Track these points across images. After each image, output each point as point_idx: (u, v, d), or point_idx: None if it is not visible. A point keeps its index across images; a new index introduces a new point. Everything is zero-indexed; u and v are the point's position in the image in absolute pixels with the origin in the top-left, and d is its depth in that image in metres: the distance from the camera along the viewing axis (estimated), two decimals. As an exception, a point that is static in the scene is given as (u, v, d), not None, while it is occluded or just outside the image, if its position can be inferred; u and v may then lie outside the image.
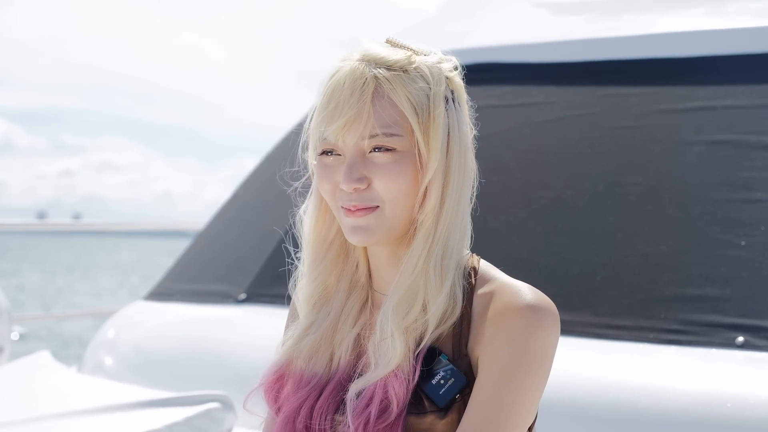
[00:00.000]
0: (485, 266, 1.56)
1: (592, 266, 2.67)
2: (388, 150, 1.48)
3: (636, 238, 2.68)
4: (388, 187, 1.49)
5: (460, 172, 1.51)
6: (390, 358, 1.48)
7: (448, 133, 1.50)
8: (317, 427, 1.53)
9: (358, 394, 1.49)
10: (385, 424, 1.45)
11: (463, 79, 1.58)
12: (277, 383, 1.61)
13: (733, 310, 2.42)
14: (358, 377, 1.52)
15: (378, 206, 1.50)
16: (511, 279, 1.53)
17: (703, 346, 2.38)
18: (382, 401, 1.46)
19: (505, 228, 2.88)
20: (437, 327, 1.49)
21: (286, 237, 1.70)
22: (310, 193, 1.63)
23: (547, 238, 2.81)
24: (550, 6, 3.82)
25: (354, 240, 1.52)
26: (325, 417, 1.52)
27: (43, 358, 3.17)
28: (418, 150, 1.49)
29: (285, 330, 1.68)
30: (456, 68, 1.56)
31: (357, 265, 1.61)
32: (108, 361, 3.24)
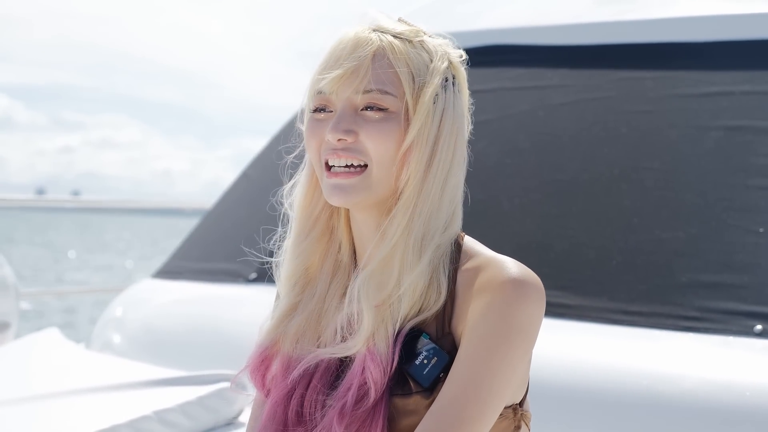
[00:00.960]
0: (469, 242, 1.55)
1: (608, 251, 2.66)
2: (380, 109, 1.49)
3: (652, 223, 2.67)
4: (375, 144, 1.49)
5: (449, 151, 1.52)
6: (358, 335, 1.48)
7: (443, 110, 1.52)
8: (308, 411, 1.52)
9: (337, 377, 1.50)
10: (363, 409, 1.44)
11: (467, 67, 1.60)
12: (263, 365, 1.60)
13: (751, 297, 2.41)
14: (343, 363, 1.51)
15: (366, 165, 1.50)
16: (495, 254, 1.52)
17: (721, 334, 2.37)
18: (360, 386, 1.45)
19: (520, 211, 2.87)
20: (420, 313, 1.48)
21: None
22: (301, 167, 1.62)
23: (562, 222, 2.80)
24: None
25: (334, 200, 1.52)
26: (316, 404, 1.52)
27: (52, 334, 3.16)
28: (407, 114, 1.50)
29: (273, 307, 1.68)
30: (461, 56, 1.58)
31: (340, 246, 1.61)
32: (116, 338, 3.23)
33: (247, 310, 3.01)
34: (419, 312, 1.48)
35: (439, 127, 1.51)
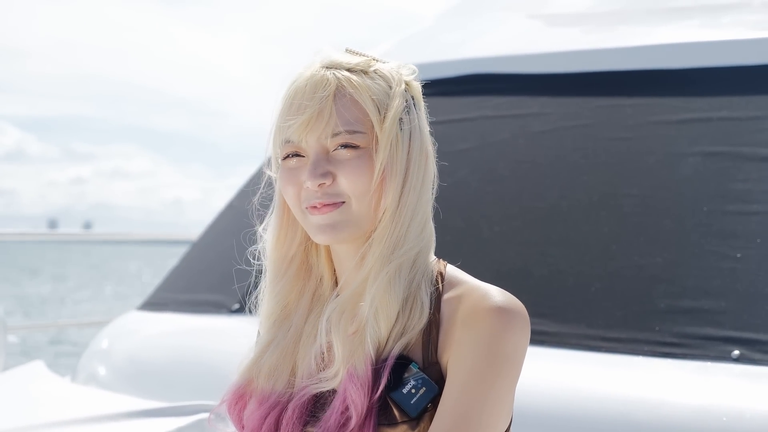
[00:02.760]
0: (452, 270, 1.55)
1: (586, 277, 2.67)
2: (352, 147, 1.49)
3: (631, 249, 2.68)
4: (353, 182, 1.49)
5: (419, 173, 1.52)
6: (334, 365, 1.48)
7: (410, 133, 1.52)
8: None
9: (318, 420, 1.49)
10: None
11: (423, 87, 1.60)
12: (238, 403, 1.60)
13: (728, 323, 2.42)
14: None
15: (344, 201, 1.50)
16: (479, 282, 1.51)
17: (699, 359, 2.37)
18: (342, 412, 1.45)
19: (500, 238, 2.88)
20: (403, 335, 1.47)
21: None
22: (271, 210, 1.63)
23: (542, 248, 2.81)
24: (545, 17, 3.83)
25: (320, 239, 1.52)
26: (294, 428, 1.51)
27: (37, 367, 3.16)
28: (377, 146, 1.50)
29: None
30: (414, 73, 1.58)
31: (321, 279, 1.61)
32: (101, 370, 3.23)
33: (230, 341, 3.01)
34: (402, 333, 1.47)
35: (409, 150, 1.51)
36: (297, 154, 1.52)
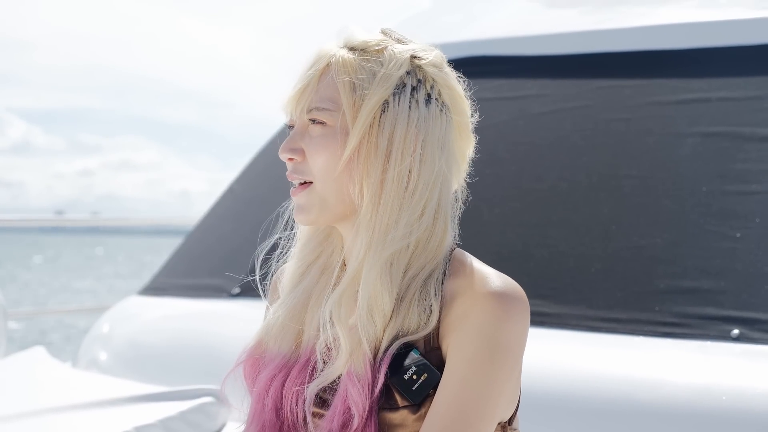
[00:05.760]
0: (459, 254, 1.52)
1: (586, 259, 2.67)
2: (320, 123, 1.49)
3: (630, 230, 2.68)
4: (314, 159, 1.50)
5: (404, 162, 1.47)
6: (339, 358, 1.47)
7: (395, 119, 1.47)
8: (289, 410, 1.52)
9: (323, 402, 1.49)
10: None
11: (460, 77, 1.56)
12: (254, 367, 1.60)
13: (728, 302, 2.42)
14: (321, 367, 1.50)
15: (312, 182, 1.51)
16: (481, 266, 1.49)
17: (699, 339, 2.37)
18: (344, 412, 1.44)
19: (499, 220, 2.88)
20: (406, 334, 1.45)
21: (275, 229, 1.70)
22: None
23: (542, 230, 2.81)
24: (544, -1, 3.82)
25: (297, 219, 1.55)
26: (296, 401, 1.51)
27: (38, 353, 3.17)
28: (346, 127, 1.48)
29: (264, 319, 1.68)
30: (437, 62, 1.53)
31: (333, 250, 1.61)
32: (102, 355, 3.23)
33: (231, 325, 3.02)
34: (401, 333, 1.45)
35: (391, 137, 1.47)
36: (292, 126, 1.55)
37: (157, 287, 3.50)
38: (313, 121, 1.50)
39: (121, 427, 2.33)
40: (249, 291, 3.15)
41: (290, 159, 1.52)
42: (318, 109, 1.49)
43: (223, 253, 3.43)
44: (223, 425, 2.52)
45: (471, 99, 1.59)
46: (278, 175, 3.53)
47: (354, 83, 1.48)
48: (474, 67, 3.48)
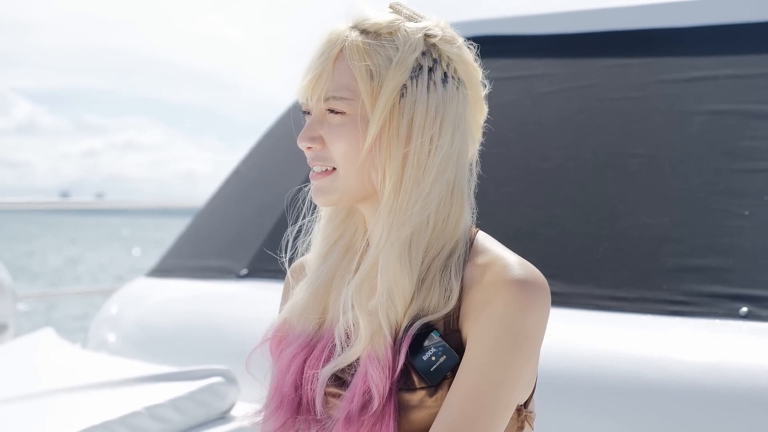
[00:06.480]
0: (481, 238, 1.52)
1: (593, 238, 2.67)
2: (338, 113, 1.48)
3: (638, 209, 2.68)
4: (335, 147, 1.48)
5: (424, 145, 1.46)
6: (358, 342, 1.47)
7: (414, 102, 1.46)
8: (309, 387, 1.52)
9: (342, 382, 1.49)
10: (369, 414, 1.43)
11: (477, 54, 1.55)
12: (279, 345, 1.60)
13: (736, 280, 2.42)
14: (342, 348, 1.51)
15: (335, 168, 1.50)
16: (503, 252, 1.48)
17: (707, 317, 2.38)
18: (364, 393, 1.44)
19: (506, 200, 2.88)
20: (426, 315, 1.45)
21: (286, 212, 1.70)
22: None
23: (549, 210, 2.81)
24: (550, -23, 3.81)
25: (316, 200, 1.54)
26: (315, 380, 1.51)
27: (47, 335, 3.18)
28: (366, 115, 1.47)
29: (282, 300, 1.68)
30: (450, 37, 1.52)
31: (356, 229, 1.61)
32: (111, 337, 3.24)
33: (238, 306, 3.03)
34: (421, 314, 1.45)
35: (411, 122, 1.46)
36: (308, 112, 1.53)
37: (164, 269, 3.51)
38: (330, 110, 1.49)
39: (132, 407, 2.34)
40: (256, 272, 3.16)
41: (309, 148, 1.51)
42: (335, 98, 1.47)
43: (230, 235, 3.44)
44: (233, 405, 2.53)
45: (484, 79, 1.58)
46: (284, 157, 3.54)
47: (371, 70, 1.46)
48: (479, 46, 3.49)
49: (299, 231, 1.65)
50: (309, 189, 1.58)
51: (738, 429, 2.13)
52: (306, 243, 1.65)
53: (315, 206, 1.62)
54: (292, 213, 1.66)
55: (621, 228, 2.66)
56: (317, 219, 1.63)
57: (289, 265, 1.65)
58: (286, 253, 1.65)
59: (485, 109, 1.59)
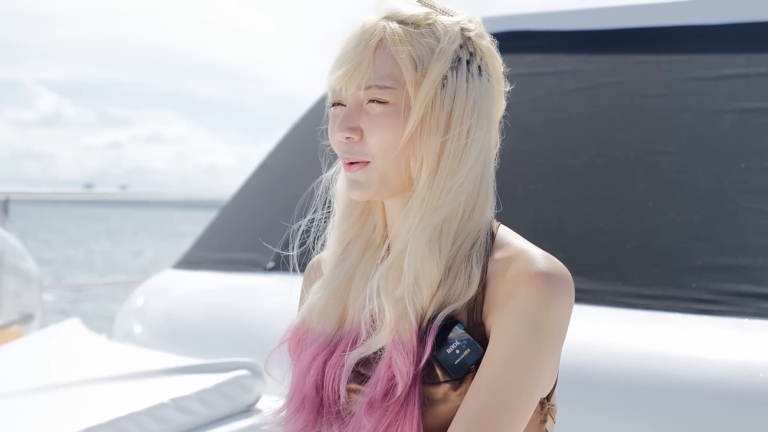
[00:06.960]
0: (504, 232, 1.52)
1: (622, 235, 2.66)
2: (381, 102, 1.47)
3: (667, 206, 2.66)
4: (375, 138, 1.47)
5: (461, 136, 1.47)
6: (383, 329, 1.46)
7: (453, 93, 1.47)
8: (330, 387, 1.52)
9: (365, 368, 1.48)
10: (393, 400, 1.42)
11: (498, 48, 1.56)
12: (299, 346, 1.60)
13: (765, 279, 2.40)
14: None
15: (369, 161, 1.49)
16: (527, 245, 1.48)
17: (736, 316, 2.36)
18: (389, 379, 1.44)
19: (535, 197, 2.87)
20: (448, 303, 1.45)
21: (311, 204, 1.70)
22: None
23: (578, 206, 2.79)
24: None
25: (352, 195, 1.52)
26: (338, 380, 1.51)
27: (74, 325, 3.20)
28: (410, 104, 1.46)
29: (300, 299, 1.68)
30: (482, 32, 1.52)
31: (375, 226, 1.60)
32: (137, 328, 3.25)
33: (265, 299, 3.03)
34: (446, 300, 1.45)
35: (450, 112, 1.47)
36: (340, 103, 1.52)
37: (191, 261, 3.52)
38: (372, 99, 1.48)
39: (158, 398, 2.35)
40: (283, 265, 3.16)
41: (348, 138, 1.50)
42: (378, 87, 1.46)
43: (257, 228, 3.44)
44: (258, 398, 2.53)
45: (505, 75, 1.59)
46: (311, 150, 3.53)
47: (414, 59, 1.46)
48: (509, 41, 3.47)
49: (310, 225, 1.65)
50: (322, 180, 1.57)
51: (767, 428, 2.12)
52: (321, 240, 1.64)
53: (327, 201, 1.62)
54: (306, 204, 1.66)
55: (650, 225, 2.64)
56: (331, 215, 1.63)
57: (297, 260, 1.65)
58: (297, 245, 1.64)
59: (504, 105, 1.60)
